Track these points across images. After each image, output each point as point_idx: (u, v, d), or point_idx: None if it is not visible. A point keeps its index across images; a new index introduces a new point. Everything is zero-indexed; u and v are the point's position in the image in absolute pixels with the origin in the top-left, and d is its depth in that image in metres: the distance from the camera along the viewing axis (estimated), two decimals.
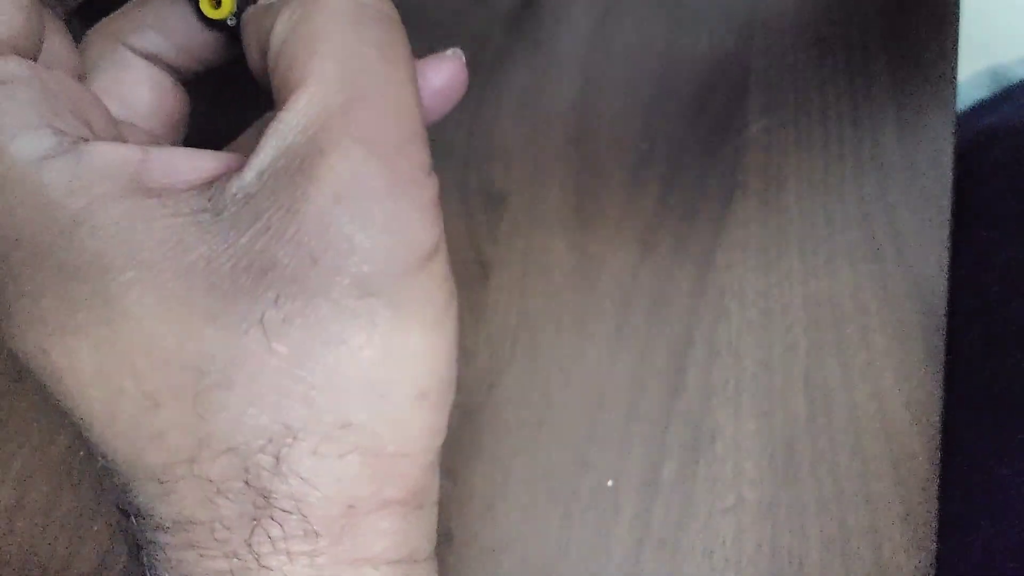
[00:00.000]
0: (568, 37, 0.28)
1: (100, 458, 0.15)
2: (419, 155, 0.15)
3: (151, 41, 0.18)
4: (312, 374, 0.13)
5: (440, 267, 0.15)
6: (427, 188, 0.15)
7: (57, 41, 0.16)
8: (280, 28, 0.15)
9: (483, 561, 0.23)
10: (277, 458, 0.13)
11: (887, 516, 0.24)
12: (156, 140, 0.18)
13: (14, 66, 0.14)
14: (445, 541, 0.23)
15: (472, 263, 0.26)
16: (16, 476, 0.23)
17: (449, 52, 0.18)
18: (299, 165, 0.13)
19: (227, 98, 0.20)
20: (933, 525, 0.24)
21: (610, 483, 0.24)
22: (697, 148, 0.27)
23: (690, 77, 0.28)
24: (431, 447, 0.15)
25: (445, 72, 0.18)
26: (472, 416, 0.24)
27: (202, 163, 0.15)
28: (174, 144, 0.19)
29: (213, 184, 0.14)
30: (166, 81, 0.19)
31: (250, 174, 0.14)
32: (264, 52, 0.16)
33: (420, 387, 0.15)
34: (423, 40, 0.18)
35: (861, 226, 0.27)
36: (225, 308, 0.13)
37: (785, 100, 0.28)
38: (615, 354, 0.25)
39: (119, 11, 0.18)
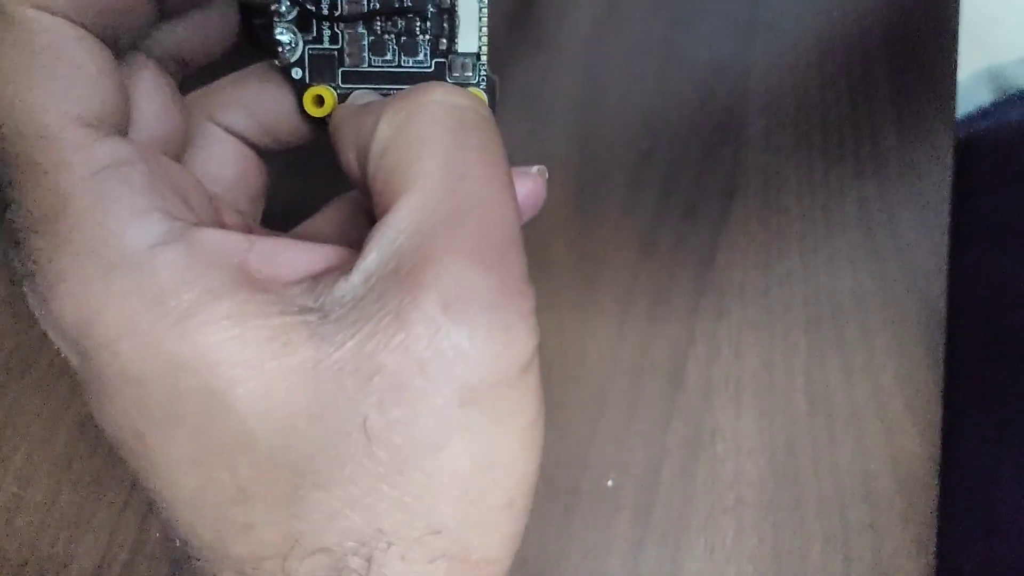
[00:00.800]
0: (569, 36, 0.28)
1: (179, 541, 0.14)
2: (520, 262, 0.15)
3: (239, 120, 0.18)
4: (409, 480, 0.13)
5: (535, 376, 0.15)
6: (528, 297, 0.15)
7: (176, 111, 0.16)
8: (383, 131, 0.15)
9: None
10: (369, 561, 0.13)
11: (887, 515, 0.24)
12: (241, 213, 0.18)
13: (119, 147, 0.14)
14: None
15: None
16: (16, 473, 0.23)
17: (535, 169, 0.18)
18: (407, 272, 0.14)
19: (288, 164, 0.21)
20: (933, 524, 0.24)
21: (610, 482, 0.24)
22: (697, 148, 0.27)
23: (690, 77, 0.28)
24: (511, 553, 0.15)
25: (524, 189, 0.18)
26: None
27: (303, 257, 0.15)
28: (255, 216, 0.20)
29: (318, 282, 0.14)
30: (250, 156, 0.19)
31: (357, 278, 0.14)
32: (361, 153, 0.16)
33: (509, 495, 0.15)
34: None
35: (861, 226, 0.27)
36: (328, 411, 0.13)
37: (785, 101, 0.28)
38: (616, 353, 0.25)
39: (211, 87, 0.19)
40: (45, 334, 0.23)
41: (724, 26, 0.28)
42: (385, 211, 0.14)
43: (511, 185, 0.15)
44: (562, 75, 0.27)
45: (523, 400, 0.15)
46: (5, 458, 0.23)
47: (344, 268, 0.15)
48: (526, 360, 0.14)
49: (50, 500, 0.23)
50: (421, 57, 0.18)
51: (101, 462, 0.23)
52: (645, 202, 0.27)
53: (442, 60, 0.18)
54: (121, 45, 0.15)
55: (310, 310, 0.14)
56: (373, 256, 0.14)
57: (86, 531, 0.23)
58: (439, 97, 0.15)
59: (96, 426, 0.23)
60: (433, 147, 0.14)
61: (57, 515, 0.23)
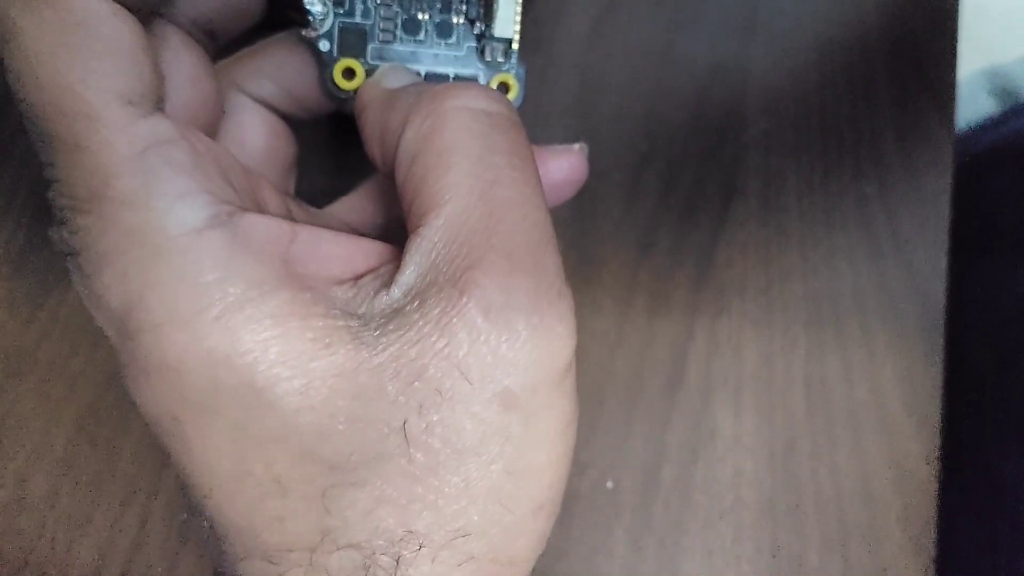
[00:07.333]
0: (567, 37, 0.28)
1: (208, 526, 0.14)
2: (556, 263, 0.15)
3: (267, 89, 0.18)
4: (444, 483, 0.13)
5: (572, 381, 0.15)
6: (566, 298, 0.15)
7: (207, 81, 0.16)
8: (411, 138, 0.15)
9: None
10: (397, 561, 0.13)
11: (886, 516, 0.24)
12: (273, 184, 0.18)
13: (161, 125, 0.14)
14: None
15: None
16: (16, 474, 0.23)
17: (576, 146, 0.18)
18: (446, 280, 0.14)
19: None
20: (932, 525, 0.24)
21: (609, 483, 0.24)
22: (697, 149, 0.27)
23: (689, 78, 0.28)
24: (536, 556, 0.16)
25: (567, 166, 0.18)
26: None
27: (344, 251, 0.15)
28: (289, 188, 0.20)
29: (358, 287, 0.14)
30: (279, 126, 0.19)
31: (398, 292, 0.14)
32: (387, 151, 0.16)
33: (539, 499, 0.15)
34: None
35: (860, 225, 0.27)
36: (369, 412, 0.13)
37: (784, 101, 0.28)
38: (615, 353, 0.25)
39: (236, 56, 0.18)
40: (43, 333, 0.23)
41: (723, 27, 0.28)
42: (418, 222, 0.14)
43: (540, 186, 0.15)
44: (559, 75, 0.27)
45: (560, 403, 0.15)
46: (5, 458, 0.23)
47: (383, 269, 0.15)
48: (566, 363, 0.14)
49: (50, 500, 0.23)
50: (454, 40, 0.18)
51: (101, 462, 0.23)
52: (644, 203, 0.27)
53: (474, 44, 0.18)
54: (141, 15, 0.14)
55: (353, 317, 0.14)
56: (411, 270, 0.14)
57: (86, 531, 0.23)
58: (464, 102, 0.15)
59: (96, 426, 0.23)
60: (461, 155, 0.14)
61: (57, 515, 0.23)
